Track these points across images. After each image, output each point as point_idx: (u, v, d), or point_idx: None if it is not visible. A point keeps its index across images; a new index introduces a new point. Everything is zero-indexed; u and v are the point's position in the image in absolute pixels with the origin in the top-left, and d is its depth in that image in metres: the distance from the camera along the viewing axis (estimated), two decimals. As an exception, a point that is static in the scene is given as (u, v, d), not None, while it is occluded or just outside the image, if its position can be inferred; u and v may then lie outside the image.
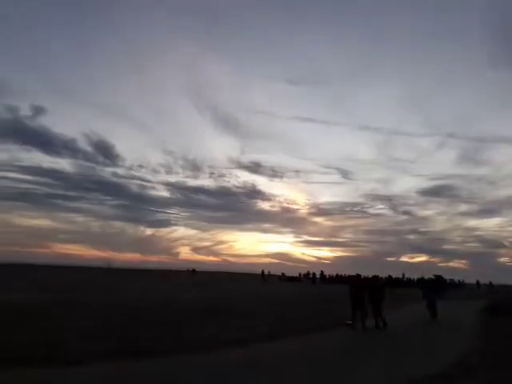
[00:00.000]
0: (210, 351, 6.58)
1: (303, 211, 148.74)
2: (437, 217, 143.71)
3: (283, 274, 56.27)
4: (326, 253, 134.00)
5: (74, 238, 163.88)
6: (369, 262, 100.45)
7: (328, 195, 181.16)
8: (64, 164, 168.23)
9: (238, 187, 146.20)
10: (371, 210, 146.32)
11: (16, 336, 6.72)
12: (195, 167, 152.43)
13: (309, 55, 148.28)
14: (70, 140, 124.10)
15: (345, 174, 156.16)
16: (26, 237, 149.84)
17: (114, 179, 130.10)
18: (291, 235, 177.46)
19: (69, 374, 4.81)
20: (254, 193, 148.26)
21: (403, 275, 26.79)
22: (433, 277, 14.55)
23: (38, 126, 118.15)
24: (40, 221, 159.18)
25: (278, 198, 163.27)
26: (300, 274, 56.17)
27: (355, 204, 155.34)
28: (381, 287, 11.46)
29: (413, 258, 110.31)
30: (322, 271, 53.69)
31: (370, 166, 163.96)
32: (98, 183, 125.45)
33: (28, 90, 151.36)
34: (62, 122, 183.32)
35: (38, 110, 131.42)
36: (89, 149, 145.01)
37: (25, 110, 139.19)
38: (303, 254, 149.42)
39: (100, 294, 18.24)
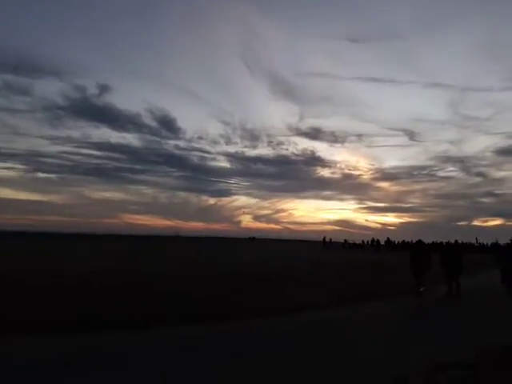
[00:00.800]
0: (272, 317, 6.83)
1: (366, 177, 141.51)
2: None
3: (345, 240, 55.72)
4: (391, 219, 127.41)
5: (142, 209, 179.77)
6: (438, 228, 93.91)
7: (394, 159, 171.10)
8: (131, 139, 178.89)
9: (296, 155, 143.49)
10: (441, 173, 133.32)
11: (99, 301, 7.54)
12: (253, 137, 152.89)
13: (372, 10, 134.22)
14: (134, 115, 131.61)
15: (412, 135, 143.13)
16: (98, 209, 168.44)
17: (177, 152, 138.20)
18: (354, 202, 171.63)
19: (142, 337, 5.49)
20: (314, 160, 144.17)
21: (476, 240, 25.24)
22: (510, 241, 13.43)
23: (105, 104, 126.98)
24: (110, 193, 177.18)
25: (338, 165, 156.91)
26: (363, 241, 54.86)
27: (423, 167, 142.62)
28: (456, 253, 11.00)
29: (486, 221, 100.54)
30: (388, 238, 51.92)
31: (440, 126, 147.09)
32: (163, 156, 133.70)
33: (93, 70, 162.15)
34: (127, 99, 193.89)
35: (104, 88, 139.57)
36: (153, 123, 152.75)
37: (92, 89, 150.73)
38: (367, 220, 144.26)
39: (174, 261, 19.89)
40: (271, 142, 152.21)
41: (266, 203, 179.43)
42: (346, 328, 6.41)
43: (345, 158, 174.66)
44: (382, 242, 49.99)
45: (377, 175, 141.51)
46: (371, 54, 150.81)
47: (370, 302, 9.11)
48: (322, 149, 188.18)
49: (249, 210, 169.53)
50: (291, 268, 17.18)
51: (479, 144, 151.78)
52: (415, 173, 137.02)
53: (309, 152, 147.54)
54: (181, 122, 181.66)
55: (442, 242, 45.43)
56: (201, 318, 6.60)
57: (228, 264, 18.24)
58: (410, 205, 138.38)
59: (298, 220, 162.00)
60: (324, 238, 50.03)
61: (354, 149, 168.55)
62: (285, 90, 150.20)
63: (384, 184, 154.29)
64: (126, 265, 15.71)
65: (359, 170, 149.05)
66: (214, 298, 8.52)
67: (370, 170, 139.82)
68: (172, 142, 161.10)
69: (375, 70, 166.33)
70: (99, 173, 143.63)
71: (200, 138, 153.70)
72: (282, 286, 10.90)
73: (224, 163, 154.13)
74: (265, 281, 11.74)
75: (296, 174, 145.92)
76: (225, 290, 9.73)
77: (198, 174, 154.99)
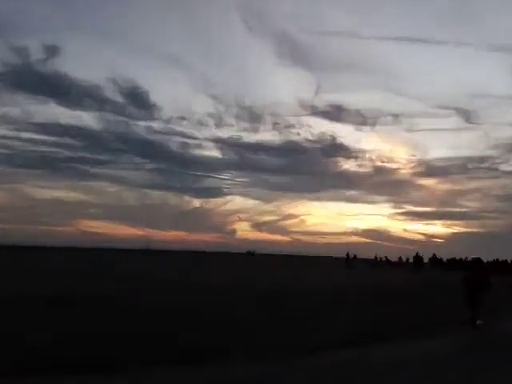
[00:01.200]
0: (278, 360, 5.70)
1: (405, 171, 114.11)
2: None
3: (376, 257, 49.33)
4: (438, 228, 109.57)
5: (103, 214, 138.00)
6: (502, 240, 75.87)
7: (442, 148, 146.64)
8: (87, 119, 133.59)
9: (311, 141, 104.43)
10: (505, 167, 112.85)
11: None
12: (253, 116, 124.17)
13: None
14: (93, 87, 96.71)
15: (468, 116, 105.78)
16: (45, 212, 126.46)
17: (150, 136, 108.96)
18: (388, 205, 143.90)
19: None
20: (334, 148, 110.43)
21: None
22: None
23: (53, 72, 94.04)
24: (60, 192, 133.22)
25: (368, 155, 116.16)
26: (400, 258, 47.57)
27: (483, 158, 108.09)
28: None
29: None
30: (433, 254, 46.59)
31: (506, 103, 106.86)
32: (131, 142, 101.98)
33: (38, 28, 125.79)
34: (82, 65, 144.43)
35: (52, 51, 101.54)
36: (118, 98, 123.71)
37: (36, 52, 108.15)
38: (405, 230, 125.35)
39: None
40: (277, 123, 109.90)
41: (269, 206, 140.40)
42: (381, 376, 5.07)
43: (376, 146, 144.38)
44: (426, 260, 44.72)
45: (419, 169, 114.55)
46: (408, 6, 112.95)
47: (414, 339, 7.58)
48: (345, 133, 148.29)
49: (246, 216, 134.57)
50: (300, 295, 13.73)
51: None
52: (471, 166, 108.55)
53: (328, 137, 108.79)
54: (155, 97, 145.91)
55: (506, 261, 38.59)
56: (181, 358, 5.54)
57: (216, 291, 13.83)
58: (464, 209, 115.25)
59: (312, 229, 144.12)
60: (347, 254, 43.96)
61: (388, 134, 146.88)
62: (295, 54, 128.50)
63: (429, 181, 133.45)
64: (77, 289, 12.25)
65: (395, 162, 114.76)
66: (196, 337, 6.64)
67: (411, 162, 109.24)
68: (143, 124, 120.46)
69: (414, 27, 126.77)
70: (45, 165, 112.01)
71: (181, 118, 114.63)
72: (290, 320, 9.02)
73: (213, 152, 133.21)
74: (266, 313, 9.70)
75: (310, 168, 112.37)
76: (214, 326, 7.81)
77: (178, 166, 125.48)
